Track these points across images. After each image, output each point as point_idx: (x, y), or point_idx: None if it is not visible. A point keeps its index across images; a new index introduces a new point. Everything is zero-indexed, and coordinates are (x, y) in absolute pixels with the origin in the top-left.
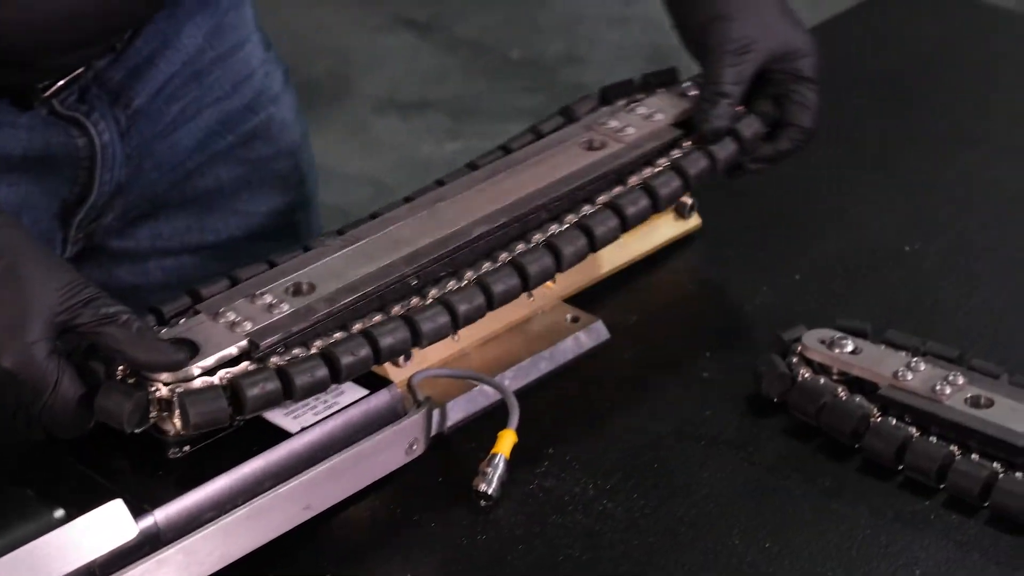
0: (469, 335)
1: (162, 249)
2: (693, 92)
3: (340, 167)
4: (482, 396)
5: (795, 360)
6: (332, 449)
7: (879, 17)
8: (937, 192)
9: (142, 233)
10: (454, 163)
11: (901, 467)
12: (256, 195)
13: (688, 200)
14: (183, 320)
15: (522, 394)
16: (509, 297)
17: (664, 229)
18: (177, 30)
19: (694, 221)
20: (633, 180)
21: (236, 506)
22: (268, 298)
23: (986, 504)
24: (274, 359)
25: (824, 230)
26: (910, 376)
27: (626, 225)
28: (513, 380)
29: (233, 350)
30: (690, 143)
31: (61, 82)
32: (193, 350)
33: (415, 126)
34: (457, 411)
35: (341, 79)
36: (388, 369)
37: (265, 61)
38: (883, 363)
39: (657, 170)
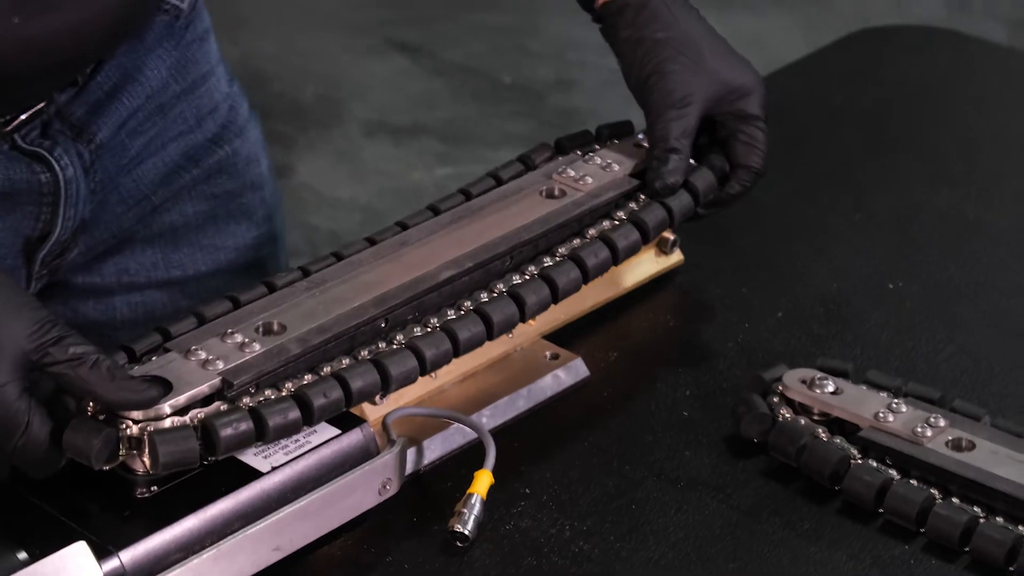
0: (447, 372)
1: (128, 285)
2: (646, 143)
3: (330, 191)
4: (459, 435)
5: (775, 400)
6: (303, 489)
7: (862, 51)
8: (919, 231)
9: (108, 269)
10: (445, 188)
11: (881, 510)
12: (222, 230)
13: (670, 236)
14: (155, 358)
15: (499, 432)
16: (475, 344)
17: (646, 265)
18: (139, 64)
19: (676, 257)
20: (592, 232)
21: (204, 547)
22: (239, 337)
23: (967, 549)
24: (246, 399)
25: (806, 268)
26: (891, 418)
27: (587, 277)
28: (490, 418)
29: (205, 388)
30: (646, 195)
31: (23, 116)
32: (166, 387)
33: (406, 151)
34: (433, 450)
35: (331, 103)
36: (365, 407)
37: (229, 95)
38: (864, 404)
39: (616, 223)
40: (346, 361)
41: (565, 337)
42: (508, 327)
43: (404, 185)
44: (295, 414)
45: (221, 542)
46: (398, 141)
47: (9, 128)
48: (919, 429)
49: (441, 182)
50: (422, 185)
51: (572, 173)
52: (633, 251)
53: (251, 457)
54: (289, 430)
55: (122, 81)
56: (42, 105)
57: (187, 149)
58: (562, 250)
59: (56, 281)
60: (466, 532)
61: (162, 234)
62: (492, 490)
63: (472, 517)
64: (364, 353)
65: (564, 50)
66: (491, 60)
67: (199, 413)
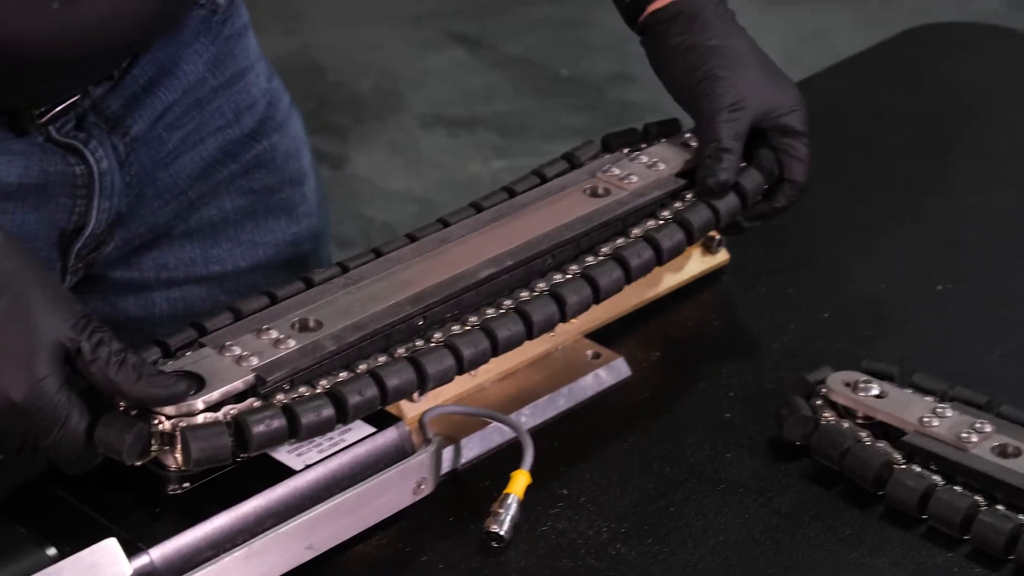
0: (487, 369)
1: (167, 280)
2: (694, 143)
3: (385, 183)
4: (497, 434)
5: (819, 403)
6: (336, 488)
7: (915, 49)
8: (969, 233)
9: (146, 264)
10: (501, 181)
11: (925, 516)
12: (261, 225)
13: (716, 235)
14: (189, 353)
15: (539, 431)
16: (514, 343)
17: (691, 264)
18: (175, 59)
19: (722, 256)
20: (636, 231)
21: (236, 545)
22: (274, 333)
23: (1011, 557)
24: (280, 396)
25: (854, 269)
26: (936, 422)
27: (630, 277)
28: (530, 417)
29: (239, 384)
30: (692, 195)
31: (57, 109)
32: (199, 383)
33: (462, 143)
34: (471, 449)
35: (388, 95)
36: (403, 404)
37: (268, 91)
38: (909, 408)
39: (660, 222)
40: (382, 359)
41: (608, 336)
42: (548, 327)
43: (460, 177)
44: (329, 412)
45: (253, 540)
46: (454, 133)
47: (44, 120)
48: (964, 434)
49: (497, 175)
50: (478, 178)
51: (617, 171)
52: (677, 251)
53: (284, 454)
54: (322, 428)
55: (158, 75)
56: (77, 98)
57: (225, 144)
58: (605, 249)
59: (94, 276)
60: (502, 533)
61: (200, 229)
62: (529, 490)
63: (508, 517)
64: (401, 351)
65: (623, 43)
66: (549, 53)
67: (232, 409)
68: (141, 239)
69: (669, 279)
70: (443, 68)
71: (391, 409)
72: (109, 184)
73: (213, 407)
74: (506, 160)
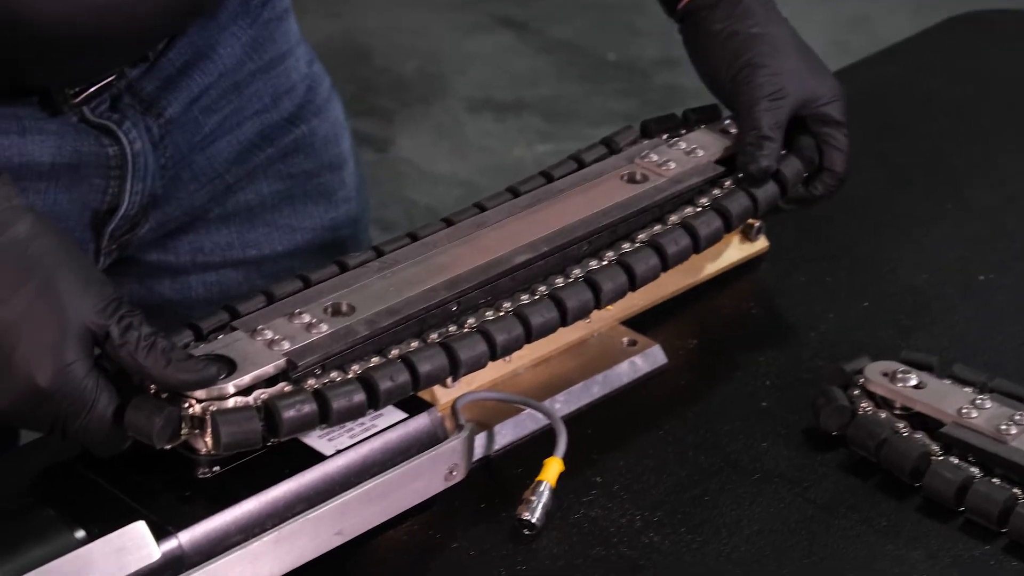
0: (521, 356)
1: (203, 264)
2: (734, 130)
3: (430, 166)
4: (531, 420)
5: (856, 393)
6: (367, 473)
7: (961, 36)
8: (1013, 222)
9: (182, 247)
10: (544, 166)
11: (962, 509)
12: (299, 210)
13: (756, 222)
14: (221, 336)
15: (573, 419)
16: (547, 330)
17: (730, 251)
18: (212, 42)
19: (761, 244)
20: (674, 218)
21: (265, 530)
22: (307, 317)
23: None
24: (311, 381)
25: (895, 258)
26: (975, 414)
27: (666, 264)
28: (564, 404)
29: (270, 369)
30: (731, 183)
31: (91, 89)
32: (230, 367)
33: (508, 127)
34: (504, 435)
35: (434, 79)
36: (437, 390)
37: (308, 75)
38: (948, 399)
39: (698, 209)
40: (415, 344)
41: (644, 323)
42: (583, 314)
43: (505, 162)
44: (360, 397)
45: (282, 525)
46: (500, 117)
47: (78, 100)
48: (1004, 426)
49: (542, 159)
50: (523, 162)
51: (655, 158)
52: (715, 239)
53: (315, 439)
54: (353, 413)
55: (194, 58)
56: (112, 79)
57: (262, 128)
58: (642, 236)
59: (129, 258)
60: (534, 520)
61: (237, 213)
62: (562, 478)
63: (540, 505)
64: (434, 336)
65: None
66: (596, 37)
67: (263, 394)
68: (176, 222)
69: (707, 266)
70: (489, 52)
71: (424, 395)
72: (143, 166)
73: (244, 391)
74: (551, 144)
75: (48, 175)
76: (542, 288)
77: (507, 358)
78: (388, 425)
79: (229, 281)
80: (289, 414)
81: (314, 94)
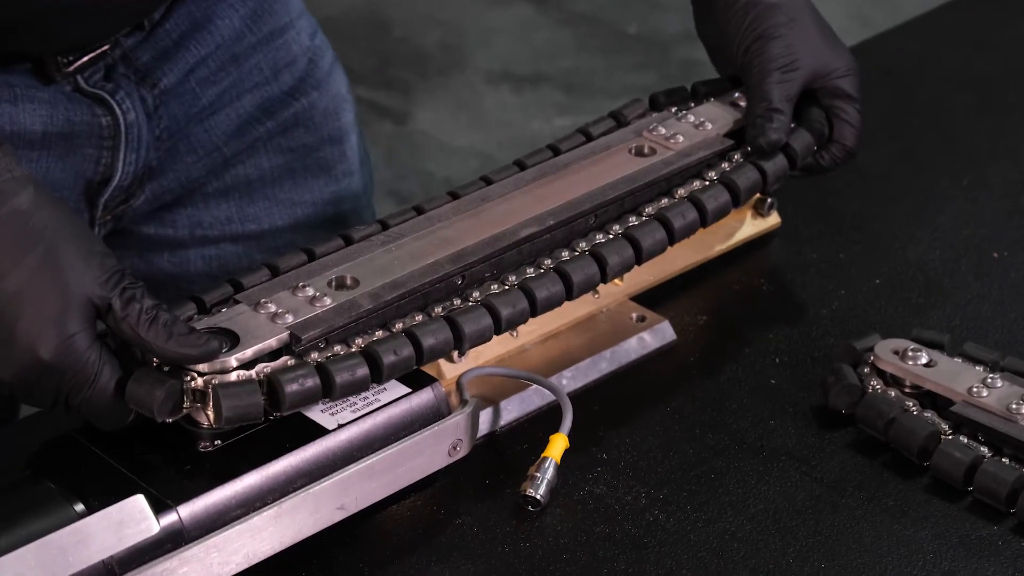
0: (529, 331)
1: (202, 238)
2: (743, 103)
3: (448, 139)
4: (537, 396)
5: (866, 371)
6: (370, 448)
7: (979, 12)
8: None
9: (181, 221)
10: None
11: (970, 488)
12: (299, 184)
13: (768, 198)
14: (224, 309)
15: (580, 395)
16: (553, 304)
17: (742, 228)
18: (209, 13)
19: (773, 220)
20: (681, 192)
21: (265, 504)
22: (310, 291)
23: None
24: (314, 355)
25: (908, 235)
26: (985, 393)
27: (673, 238)
28: (571, 380)
29: (273, 342)
30: (739, 156)
31: (85, 58)
32: (233, 340)
33: (527, 100)
34: (510, 411)
35: (454, 51)
36: (443, 365)
37: (310, 48)
38: (958, 378)
39: (706, 183)
40: (419, 318)
41: (654, 299)
42: (588, 287)
43: (523, 135)
44: (363, 371)
45: (283, 499)
46: (519, 90)
47: (71, 69)
48: (1014, 405)
49: (560, 132)
50: (541, 135)
51: (663, 131)
52: (723, 213)
53: (318, 414)
54: (357, 387)
55: (191, 28)
56: (106, 48)
57: (262, 102)
58: (649, 210)
59: (127, 231)
60: (538, 496)
61: (236, 187)
62: (568, 454)
63: (545, 481)
64: (438, 310)
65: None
66: (616, 10)
67: (265, 367)
68: (173, 194)
69: (719, 242)
70: (509, 25)
71: (431, 369)
72: (136, 136)
73: (246, 365)
74: (570, 118)
75: (40, 144)
76: (548, 262)
77: (514, 333)
78: (391, 399)
79: (228, 255)
80: (292, 388)
81: (315, 67)
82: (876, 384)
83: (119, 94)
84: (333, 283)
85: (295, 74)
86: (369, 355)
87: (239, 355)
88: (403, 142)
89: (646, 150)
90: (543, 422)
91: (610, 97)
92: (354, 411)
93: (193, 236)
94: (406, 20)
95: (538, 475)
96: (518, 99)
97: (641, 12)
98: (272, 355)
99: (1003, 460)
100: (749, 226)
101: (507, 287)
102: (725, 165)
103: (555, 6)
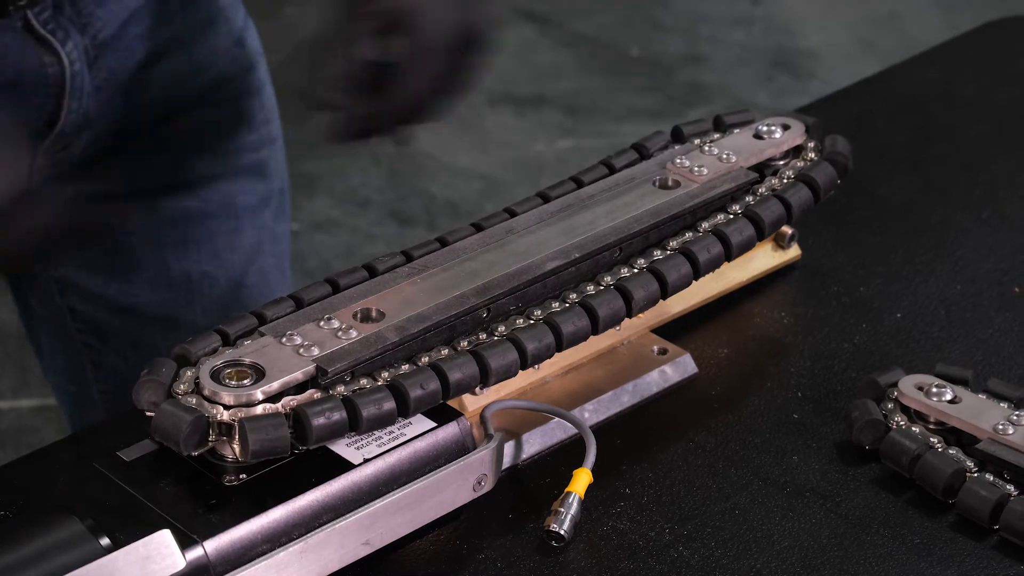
0: (550, 364)
1: (140, 191)
2: (767, 135)
3: (450, 160)
4: (559, 429)
5: (890, 406)
6: (395, 483)
7: (998, 41)
8: None
9: (116, 174)
10: (566, 161)
11: (996, 527)
12: (224, 135)
13: (788, 230)
14: (248, 342)
15: (601, 428)
16: (579, 338)
17: (762, 259)
18: None
19: (793, 252)
20: (705, 225)
21: (291, 539)
22: (336, 323)
23: None
24: (340, 388)
25: (930, 268)
26: (1011, 430)
27: (698, 272)
28: (593, 414)
29: (299, 375)
30: (764, 189)
31: None
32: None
33: (529, 122)
34: (532, 444)
35: None
36: (464, 397)
37: (232, 4)
38: (983, 414)
39: (731, 216)
40: (445, 351)
41: (675, 330)
42: (614, 322)
43: (525, 156)
44: (390, 405)
45: (309, 534)
46: (521, 112)
47: (23, 2)
48: None
49: (563, 154)
50: (544, 157)
51: (687, 163)
52: (747, 247)
53: (343, 448)
54: (383, 421)
55: None
56: None
57: (191, 59)
58: (673, 243)
59: (64, 180)
60: (562, 532)
61: (169, 139)
62: (590, 488)
63: (569, 516)
64: (464, 344)
65: (695, 24)
66: (619, 32)
67: (292, 401)
68: (105, 143)
69: (739, 274)
70: (511, 45)
71: (452, 402)
72: (79, 85)
73: (272, 398)
74: (572, 140)
75: None
76: (573, 296)
77: (536, 366)
78: (417, 434)
79: (167, 208)
80: (319, 421)
81: (234, 23)
82: (900, 420)
83: (67, 44)
84: (359, 315)
85: (219, 31)
86: (396, 389)
87: (265, 388)
88: (405, 162)
89: (670, 183)
90: (565, 455)
91: (613, 119)
92: (380, 445)
93: (131, 189)
94: None
95: (562, 510)
96: (520, 121)
97: (643, 34)
98: (298, 388)
99: None
100: (770, 258)
101: (532, 321)
102: (749, 199)
103: (557, 27)
